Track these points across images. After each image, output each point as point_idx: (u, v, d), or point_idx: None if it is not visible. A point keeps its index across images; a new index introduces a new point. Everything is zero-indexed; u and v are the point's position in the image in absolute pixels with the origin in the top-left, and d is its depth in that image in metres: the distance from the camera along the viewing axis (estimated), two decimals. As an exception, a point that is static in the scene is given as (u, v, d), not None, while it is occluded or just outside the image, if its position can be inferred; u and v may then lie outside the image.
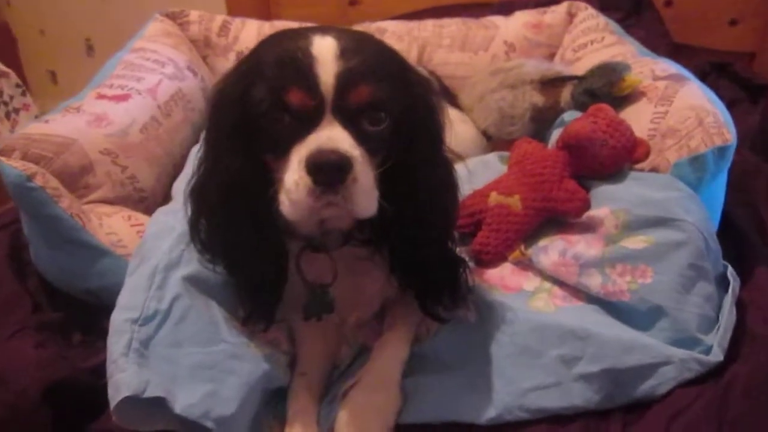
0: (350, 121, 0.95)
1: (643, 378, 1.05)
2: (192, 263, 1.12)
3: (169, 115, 1.74)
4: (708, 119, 1.33)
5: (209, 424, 0.96)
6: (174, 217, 1.21)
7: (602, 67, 1.61)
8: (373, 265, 1.13)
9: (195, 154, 1.59)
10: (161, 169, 1.65)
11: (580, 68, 1.86)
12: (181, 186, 1.43)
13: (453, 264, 1.14)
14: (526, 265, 1.31)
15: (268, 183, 0.99)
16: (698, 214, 1.20)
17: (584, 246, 1.24)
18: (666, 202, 1.20)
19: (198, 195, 1.08)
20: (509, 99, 1.77)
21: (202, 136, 1.11)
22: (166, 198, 1.60)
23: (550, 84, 1.74)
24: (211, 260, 1.10)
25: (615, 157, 1.30)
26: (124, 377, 0.94)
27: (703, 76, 1.98)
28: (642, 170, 1.35)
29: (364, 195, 0.94)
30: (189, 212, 1.11)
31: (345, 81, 0.93)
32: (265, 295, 1.10)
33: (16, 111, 2.74)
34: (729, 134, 1.29)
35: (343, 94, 0.94)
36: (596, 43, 1.95)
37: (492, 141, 1.85)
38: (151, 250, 1.15)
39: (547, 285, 1.26)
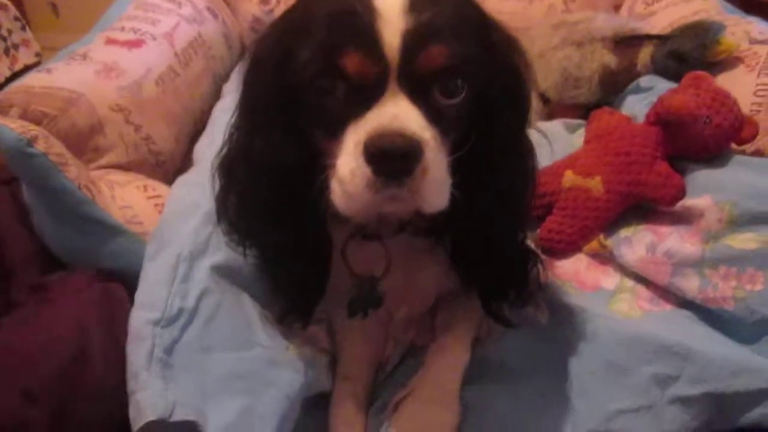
0: (420, 92, 0.79)
1: (752, 404, 0.91)
2: (221, 249, 0.99)
3: (187, 64, 1.58)
4: (828, 94, 1.16)
5: None
6: (199, 191, 1.06)
7: (693, 26, 1.44)
8: (431, 256, 0.99)
9: (220, 112, 1.48)
10: (180, 127, 1.50)
11: (655, 24, 1.70)
12: (204, 150, 1.30)
13: (524, 257, 1.01)
14: (605, 258, 1.16)
15: (315, 165, 0.84)
16: (818, 209, 1.04)
17: (677, 241, 1.09)
18: (781, 194, 1.05)
19: (228, 171, 0.94)
20: (575, 58, 1.58)
21: (237, 100, 0.94)
22: (185, 161, 1.46)
23: (626, 43, 1.56)
24: (241, 243, 0.97)
25: (718, 138, 1.14)
26: (148, 397, 0.81)
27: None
28: (744, 153, 1.20)
29: (435, 187, 0.80)
30: (217, 187, 0.97)
31: (415, 41, 0.77)
32: (304, 290, 0.97)
33: (15, 47, 2.57)
34: None
35: (411, 58, 0.77)
36: (673, -5, 1.75)
37: (549, 105, 1.68)
38: (173, 233, 1.01)
39: (630, 283, 1.12)
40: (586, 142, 1.25)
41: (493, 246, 0.94)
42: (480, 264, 0.96)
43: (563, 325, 1.03)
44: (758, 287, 1.00)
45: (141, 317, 0.89)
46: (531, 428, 0.95)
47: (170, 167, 1.41)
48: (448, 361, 1.01)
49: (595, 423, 0.93)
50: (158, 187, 1.26)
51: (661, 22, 1.68)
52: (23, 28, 2.58)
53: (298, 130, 0.85)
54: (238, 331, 0.94)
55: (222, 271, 0.97)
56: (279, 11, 1.93)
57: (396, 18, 0.77)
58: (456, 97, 0.82)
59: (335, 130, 0.80)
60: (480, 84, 0.83)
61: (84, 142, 1.22)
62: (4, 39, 2.53)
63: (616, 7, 1.94)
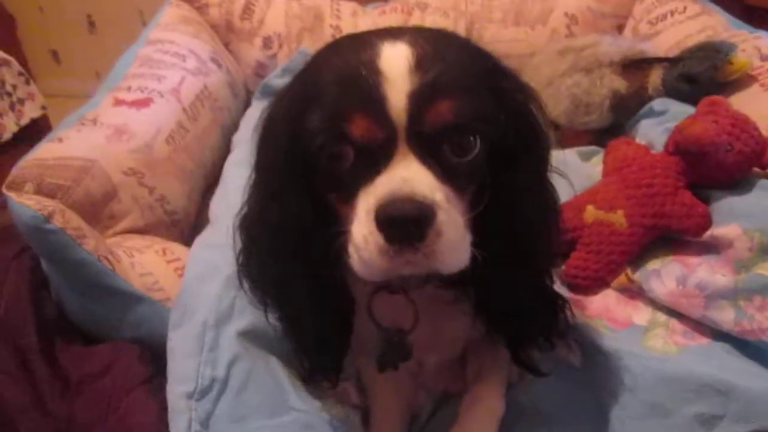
0: (430, 151, 0.78)
1: None
2: (246, 314, 0.98)
3: (196, 118, 1.57)
4: None
5: None
6: (218, 253, 1.05)
7: (702, 47, 1.43)
8: (457, 306, 0.96)
9: (231, 166, 1.46)
10: (192, 184, 1.50)
11: (661, 44, 1.69)
12: (219, 208, 1.29)
13: (552, 303, 0.98)
14: (634, 293, 1.15)
15: (333, 227, 0.82)
16: None
17: (707, 271, 1.08)
18: (810, 220, 1.03)
19: (248, 232, 0.93)
20: (584, 84, 1.57)
21: (250, 157, 0.93)
22: (200, 217, 1.45)
23: (634, 66, 1.55)
24: (263, 304, 0.95)
25: (741, 164, 1.12)
26: None
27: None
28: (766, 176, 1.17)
29: (452, 248, 0.77)
30: (238, 248, 0.96)
31: (421, 100, 0.76)
32: (328, 348, 0.95)
33: (21, 101, 2.62)
34: None
35: (418, 118, 0.76)
36: (678, 13, 1.74)
37: (560, 131, 1.66)
38: (196, 299, 1.00)
39: (663, 318, 1.10)
40: (605, 174, 1.23)
41: (519, 294, 0.92)
42: (506, 313, 0.94)
43: (598, 367, 1.01)
44: (796, 316, 0.99)
45: (175, 391, 0.89)
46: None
47: (185, 225, 1.40)
48: (483, 413, 0.98)
49: None
50: (176, 249, 1.25)
51: (667, 42, 1.67)
52: (27, 82, 2.63)
53: (313, 194, 0.84)
54: (271, 397, 0.92)
55: (249, 336, 0.97)
56: (282, 55, 1.97)
57: (401, 79, 0.76)
58: (469, 153, 0.79)
59: (348, 195, 0.79)
60: (494, 136, 0.81)
61: (99, 210, 1.22)
62: (10, 94, 2.57)
63: (619, 28, 1.92)
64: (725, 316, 1.03)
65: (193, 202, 1.47)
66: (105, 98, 1.46)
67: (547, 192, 0.92)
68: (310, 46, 1.92)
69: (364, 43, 0.81)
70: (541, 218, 0.90)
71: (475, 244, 0.80)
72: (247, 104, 1.90)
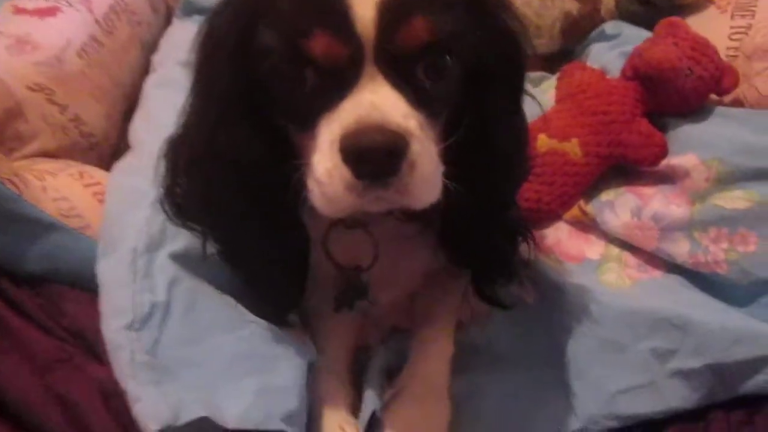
0: (401, 73, 0.70)
1: (753, 372, 0.90)
2: (179, 237, 0.90)
3: (111, 32, 1.43)
4: (809, 37, 1.13)
5: (279, 426, 0.77)
6: (142, 178, 0.96)
7: (659, -33, 1.37)
8: (420, 239, 0.92)
9: (153, 88, 1.35)
10: (110, 103, 1.37)
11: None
12: (141, 132, 1.19)
13: (517, 233, 0.95)
14: (587, 225, 1.12)
15: (289, 158, 0.76)
16: (806, 162, 1.02)
17: (663, 203, 1.07)
18: (769, 148, 1.02)
19: (188, 164, 0.86)
20: (535, 5, 1.50)
21: (191, 84, 0.84)
22: (121, 142, 1.33)
23: (587, -12, 1.48)
24: (203, 238, 0.88)
25: (700, 90, 1.10)
26: (145, 408, 0.74)
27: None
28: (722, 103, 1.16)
29: (425, 182, 0.71)
30: (163, 174, 0.88)
31: (392, 14, 0.68)
32: (283, 290, 0.89)
33: None
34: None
35: (389, 35, 0.68)
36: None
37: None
38: (122, 227, 0.92)
39: (615, 251, 1.09)
40: (558, 101, 1.19)
41: (487, 224, 0.88)
42: (472, 244, 0.90)
43: (552, 304, 0.99)
44: (751, 248, 0.99)
45: (112, 326, 0.81)
46: (530, 418, 0.91)
47: (105, 149, 1.29)
48: (434, 354, 0.95)
49: (598, 407, 0.90)
50: (95, 173, 1.14)
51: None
52: None
53: (267, 123, 0.76)
54: (225, 313, 0.86)
55: (185, 260, 0.88)
56: (205, -35, 1.81)
57: None
58: (444, 75, 0.73)
59: (307, 123, 0.72)
60: (472, 58, 0.74)
61: (2, 131, 1.10)
62: None
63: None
64: (680, 249, 1.02)
65: (112, 124, 1.35)
66: (3, 6, 1.31)
67: (521, 117, 0.87)
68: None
69: None
70: (515, 144, 0.86)
71: (446, 174, 0.74)
72: (168, 21, 1.75)
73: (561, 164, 1.11)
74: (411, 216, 0.86)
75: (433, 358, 0.95)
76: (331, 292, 0.94)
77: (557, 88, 1.21)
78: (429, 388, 0.92)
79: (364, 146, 0.66)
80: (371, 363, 0.96)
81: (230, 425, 0.75)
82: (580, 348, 0.94)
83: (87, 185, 1.09)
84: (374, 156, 0.66)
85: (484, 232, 0.88)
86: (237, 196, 0.80)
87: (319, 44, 0.68)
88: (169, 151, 0.88)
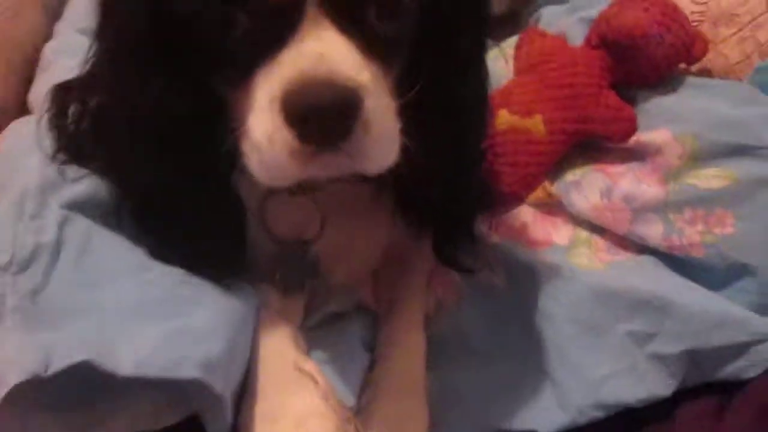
0: (351, 15, 0.63)
1: (731, 358, 0.87)
2: (80, 182, 0.78)
3: (6, -10, 1.31)
4: (777, 0, 1.09)
5: (192, 373, 0.63)
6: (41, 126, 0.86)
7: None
8: (374, 204, 0.84)
9: (55, 54, 1.22)
10: (9, 67, 1.25)
11: None
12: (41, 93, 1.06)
13: (479, 191, 0.89)
14: (553, 207, 1.06)
15: (217, 116, 0.68)
16: (785, 136, 0.98)
17: (633, 182, 1.01)
18: (746, 122, 0.97)
19: (93, 113, 0.77)
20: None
21: (95, 26, 0.75)
22: (23, 111, 1.20)
23: (536, -55, 1.40)
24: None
25: (670, 59, 1.03)
26: (4, 355, 0.61)
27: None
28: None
29: (381, 143, 0.64)
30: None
31: None
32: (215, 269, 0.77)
33: None
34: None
35: None
36: None
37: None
38: (13, 172, 0.80)
39: (584, 234, 1.03)
40: (519, 72, 1.11)
41: (450, 184, 0.81)
42: (436, 204, 0.83)
43: (524, 288, 0.94)
44: (728, 230, 0.94)
45: None
46: (513, 418, 0.85)
47: (3, 118, 1.13)
48: (406, 347, 0.88)
49: (582, 396, 0.86)
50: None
51: None
52: None
53: (189, 74, 0.67)
54: (130, 257, 0.74)
55: (87, 207, 0.76)
56: None
57: None
58: (399, 17, 0.66)
59: (239, 76, 0.64)
60: None
61: None
62: None
63: None
64: (653, 231, 0.98)
65: (12, 89, 1.23)
66: None
67: (485, 65, 0.80)
68: None
69: None
70: (479, 96, 0.80)
71: (403, 131, 0.66)
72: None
73: (524, 143, 1.03)
74: (362, 178, 0.75)
75: (406, 351, 0.88)
76: (273, 271, 0.84)
77: (516, 58, 1.13)
78: (406, 385, 0.85)
79: (310, 105, 0.58)
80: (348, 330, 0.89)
81: (124, 371, 0.60)
82: (559, 333, 0.90)
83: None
84: (322, 116, 0.59)
85: (446, 192, 0.81)
86: (156, 159, 0.71)
87: None
88: (67, 94, 0.81)
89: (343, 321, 0.90)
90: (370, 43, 0.63)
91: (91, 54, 0.76)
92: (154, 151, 0.71)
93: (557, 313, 0.91)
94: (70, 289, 0.69)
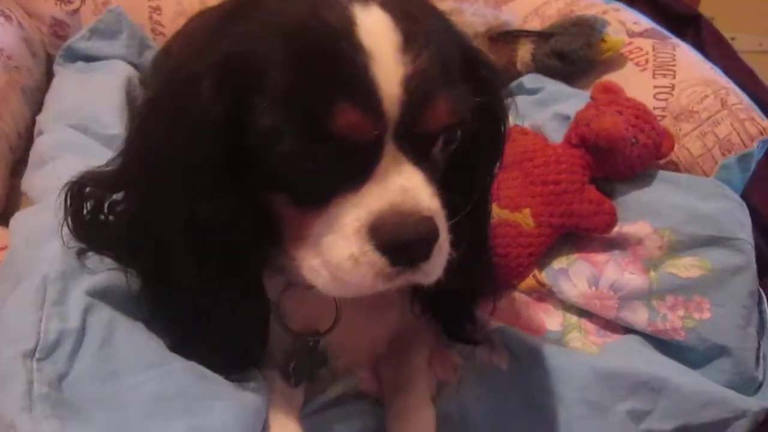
0: (420, 150, 0.68)
1: (716, 430, 0.96)
2: (101, 272, 0.79)
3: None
4: (730, 99, 1.21)
5: None
6: (53, 216, 0.85)
7: (576, 23, 1.40)
8: (385, 300, 0.88)
9: (54, 150, 1.20)
10: None
11: (519, 10, 1.65)
12: (50, 185, 1.02)
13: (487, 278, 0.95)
14: (543, 294, 1.13)
15: (257, 221, 0.71)
16: (749, 227, 1.08)
17: (616, 270, 1.09)
18: (718, 216, 1.07)
19: (130, 228, 0.77)
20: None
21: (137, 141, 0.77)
22: (13, 197, 1.25)
23: (501, 40, 1.49)
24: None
25: (644, 157, 1.12)
26: None
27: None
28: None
29: (443, 259, 0.70)
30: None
31: (417, 92, 0.64)
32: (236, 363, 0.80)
33: None
34: (764, 120, 1.17)
35: (414, 114, 0.65)
36: (534, -23, 1.71)
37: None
38: (30, 262, 0.81)
39: (574, 319, 1.10)
40: (504, 168, 1.18)
41: (468, 272, 0.83)
42: (451, 292, 0.84)
43: (527, 368, 0.97)
44: (706, 315, 1.02)
45: (5, 353, 0.69)
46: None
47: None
48: (419, 422, 0.89)
49: None
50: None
51: (525, 8, 1.64)
52: None
53: (250, 192, 0.70)
54: (149, 349, 0.75)
55: (105, 296, 0.77)
56: (87, 12, 1.66)
57: (391, 60, 0.63)
58: (449, 147, 0.73)
59: (311, 201, 0.68)
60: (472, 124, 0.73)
61: None
62: None
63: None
64: (638, 317, 1.05)
65: None
66: None
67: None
68: (120, 1, 1.64)
69: (316, 2, 0.66)
70: (488, 194, 0.88)
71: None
72: (48, 67, 1.60)
73: (514, 236, 1.10)
74: None
75: (421, 426, 0.89)
76: (282, 359, 0.86)
77: (500, 153, 1.20)
78: None
79: (403, 237, 0.65)
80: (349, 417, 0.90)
81: None
82: (566, 412, 0.93)
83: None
84: (412, 245, 0.65)
85: (462, 280, 0.83)
86: (196, 265, 0.73)
87: (347, 122, 0.63)
88: (81, 189, 0.81)
89: (343, 407, 0.91)
90: (431, 171, 0.69)
91: (123, 156, 0.77)
92: (196, 256, 0.73)
93: (562, 392, 0.94)
94: (93, 379, 0.70)
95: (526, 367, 0.97)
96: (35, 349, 0.69)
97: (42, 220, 0.87)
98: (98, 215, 0.81)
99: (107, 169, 0.82)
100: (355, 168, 0.65)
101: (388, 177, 0.65)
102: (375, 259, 0.65)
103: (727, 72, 1.34)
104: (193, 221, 0.70)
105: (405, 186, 0.66)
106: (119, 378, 0.71)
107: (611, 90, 1.18)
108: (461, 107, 0.69)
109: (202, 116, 0.66)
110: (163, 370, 0.73)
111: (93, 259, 0.80)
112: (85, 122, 1.23)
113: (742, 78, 1.40)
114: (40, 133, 1.32)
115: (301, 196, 0.69)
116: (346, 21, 0.64)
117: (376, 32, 0.64)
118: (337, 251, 0.66)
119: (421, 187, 0.67)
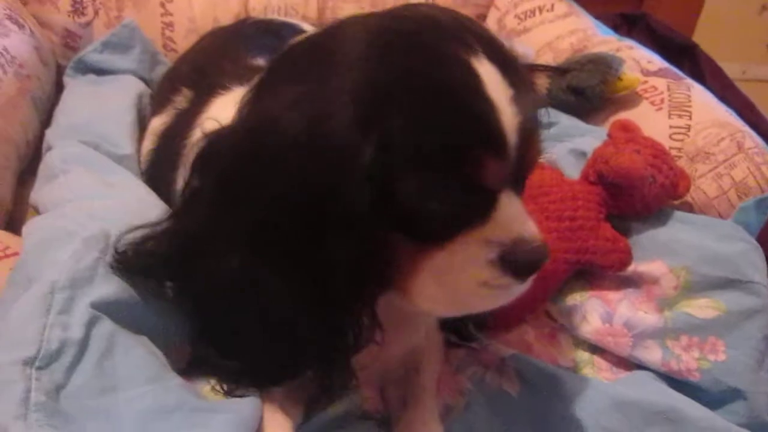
0: (522, 184, 0.79)
1: None
2: (111, 281, 0.79)
3: (-3, 85, 1.30)
4: (746, 143, 1.21)
5: None
6: (70, 221, 0.87)
7: (594, 60, 1.41)
8: (409, 321, 0.92)
9: (63, 163, 1.18)
10: (4, 163, 1.25)
11: (531, 43, 1.69)
12: (66, 195, 1.04)
13: None
14: (555, 329, 1.12)
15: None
16: (764, 271, 1.07)
17: (630, 309, 1.09)
18: (734, 258, 1.06)
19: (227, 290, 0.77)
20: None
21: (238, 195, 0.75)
22: (18, 206, 1.24)
23: (517, 72, 1.50)
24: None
25: (660, 196, 1.13)
26: None
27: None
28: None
29: None
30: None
31: (525, 136, 0.72)
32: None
33: None
34: (780, 164, 1.18)
35: (523, 155, 0.73)
36: (546, 11, 1.74)
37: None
38: (42, 265, 0.80)
39: (586, 356, 1.10)
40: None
41: None
42: None
43: (538, 392, 0.98)
44: (721, 357, 1.02)
45: (5, 358, 0.68)
46: None
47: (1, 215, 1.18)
48: None
49: None
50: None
51: (538, 42, 1.67)
52: None
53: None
54: (149, 365, 0.76)
55: (110, 309, 0.77)
56: (100, 24, 1.67)
57: (510, 111, 0.70)
58: None
59: (436, 237, 0.73)
60: None
61: None
62: None
63: (480, 17, 1.88)
64: (652, 356, 1.05)
65: (6, 184, 1.24)
66: None
67: None
68: (133, 16, 1.65)
69: (439, 55, 0.70)
70: None
71: None
72: (58, 78, 1.59)
73: (530, 271, 1.09)
74: None
75: None
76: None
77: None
78: None
79: (534, 260, 0.75)
80: None
81: None
82: None
83: None
84: (537, 266, 0.76)
85: None
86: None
87: (491, 172, 0.70)
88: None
89: (346, 429, 0.89)
90: None
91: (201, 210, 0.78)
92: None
93: (578, 417, 0.95)
94: (91, 391, 0.70)
95: (539, 391, 0.98)
96: (36, 358, 0.69)
97: (56, 225, 0.88)
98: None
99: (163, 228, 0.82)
100: (483, 206, 0.73)
101: (509, 211, 0.73)
102: (508, 282, 0.74)
103: (726, 102, 1.37)
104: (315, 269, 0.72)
105: (524, 218, 0.75)
106: (117, 392, 0.71)
107: (629, 128, 1.19)
108: (543, 146, 0.79)
109: (316, 153, 0.67)
110: (162, 384, 0.74)
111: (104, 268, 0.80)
112: (96, 140, 1.22)
113: (740, 108, 1.42)
114: (50, 147, 1.29)
115: (424, 234, 0.73)
116: (469, 73, 0.69)
117: (496, 85, 0.69)
118: (468, 279, 0.74)
119: (528, 215, 0.76)
